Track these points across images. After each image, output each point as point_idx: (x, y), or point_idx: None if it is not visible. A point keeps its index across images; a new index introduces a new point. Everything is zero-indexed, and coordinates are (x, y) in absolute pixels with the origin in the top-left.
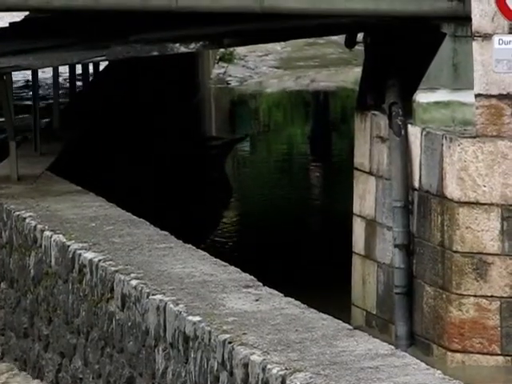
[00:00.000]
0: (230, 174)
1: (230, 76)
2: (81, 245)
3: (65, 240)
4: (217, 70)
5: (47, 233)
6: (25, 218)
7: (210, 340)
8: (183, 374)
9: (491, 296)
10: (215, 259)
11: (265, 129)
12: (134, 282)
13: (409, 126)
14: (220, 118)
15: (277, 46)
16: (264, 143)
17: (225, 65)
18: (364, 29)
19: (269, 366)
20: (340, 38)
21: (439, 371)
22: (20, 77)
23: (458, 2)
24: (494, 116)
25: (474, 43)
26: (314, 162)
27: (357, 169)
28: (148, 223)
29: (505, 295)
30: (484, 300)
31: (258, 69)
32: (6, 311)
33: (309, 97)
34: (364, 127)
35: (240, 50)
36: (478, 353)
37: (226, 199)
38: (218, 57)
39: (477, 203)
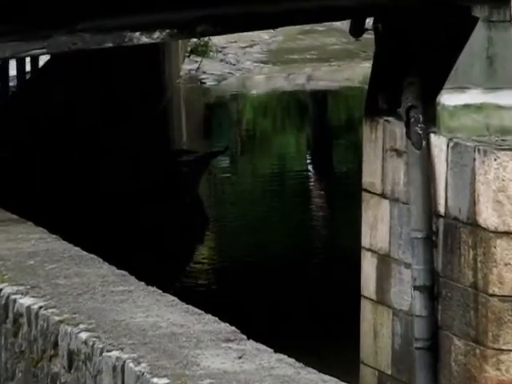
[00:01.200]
0: (206, 198)
1: (204, 73)
2: (16, 288)
3: None
4: (188, 66)
5: None
6: None
7: None
8: None
9: None
10: (187, 306)
11: (249, 140)
12: (83, 335)
13: (431, 135)
14: (192, 127)
15: (264, 35)
16: (248, 158)
17: (198, 59)
18: (374, 12)
19: None
20: (344, 25)
21: None
22: None
23: None
24: None
25: None
26: (313, 181)
27: (366, 190)
28: (101, 260)
29: None
30: None
31: (240, 64)
32: None
33: (305, 99)
34: (375, 137)
35: (217, 41)
36: None
37: (200, 230)
38: (189, 49)
39: None
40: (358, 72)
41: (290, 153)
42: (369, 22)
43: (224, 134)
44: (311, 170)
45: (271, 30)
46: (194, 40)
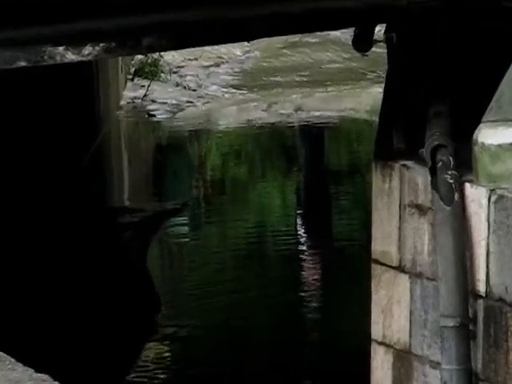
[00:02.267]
0: (157, 273)
1: (154, 102)
2: None
3: None
4: (131, 93)
5: None
6: None
7: None
8: None
9: None
10: None
11: (217, 192)
12: None
13: (467, 185)
14: (138, 176)
15: (235, 50)
16: (216, 217)
17: (145, 83)
18: (387, 16)
19: None
20: (344, 35)
21: None
22: None
23: None
24: None
25: None
26: (305, 249)
27: (377, 262)
28: (13, 360)
29: None
30: None
31: (202, 89)
32: None
33: (293, 137)
34: (389, 189)
35: (171, 58)
36: None
37: (148, 316)
38: (132, 69)
39: None
40: (365, 99)
41: (273, 210)
42: (379, 30)
43: (182, 185)
44: (302, 233)
45: (245, 43)
46: (140, 57)
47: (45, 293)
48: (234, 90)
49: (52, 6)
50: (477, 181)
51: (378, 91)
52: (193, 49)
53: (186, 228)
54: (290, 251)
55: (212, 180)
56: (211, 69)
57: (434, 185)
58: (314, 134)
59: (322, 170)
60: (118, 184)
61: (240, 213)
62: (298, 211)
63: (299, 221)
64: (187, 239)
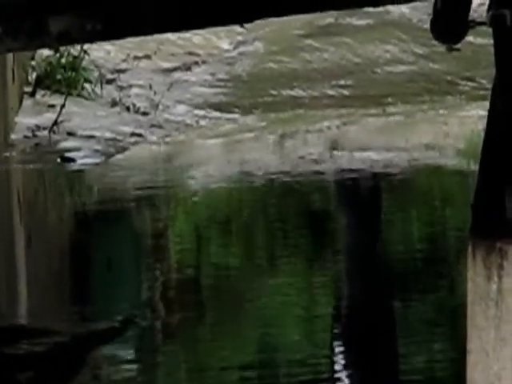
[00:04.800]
0: None
1: (72, 136)
2: None
3: None
4: (31, 119)
5: None
6: None
7: None
8: None
9: None
10: None
11: (186, 304)
12: None
13: None
14: (43, 272)
15: (220, 41)
16: (183, 350)
17: (56, 100)
18: None
19: None
20: (416, 13)
21: None
22: None
23: None
24: None
25: None
26: None
27: None
28: None
29: None
30: None
31: (161, 112)
32: None
33: (323, 200)
34: (498, 292)
35: (105, 55)
36: None
37: None
38: (33, 76)
39: None
40: (455, 129)
41: (288, 343)
42: (480, 4)
43: (123, 288)
44: None
45: (237, 28)
46: (47, 54)
47: None
48: (216, 114)
49: None
50: None
51: (478, 114)
52: (143, 39)
53: (131, 366)
54: None
55: (178, 280)
56: (176, 74)
57: None
58: (362, 196)
59: (377, 261)
60: (5, 288)
61: (225, 345)
62: (337, 346)
63: (337, 360)
64: None
